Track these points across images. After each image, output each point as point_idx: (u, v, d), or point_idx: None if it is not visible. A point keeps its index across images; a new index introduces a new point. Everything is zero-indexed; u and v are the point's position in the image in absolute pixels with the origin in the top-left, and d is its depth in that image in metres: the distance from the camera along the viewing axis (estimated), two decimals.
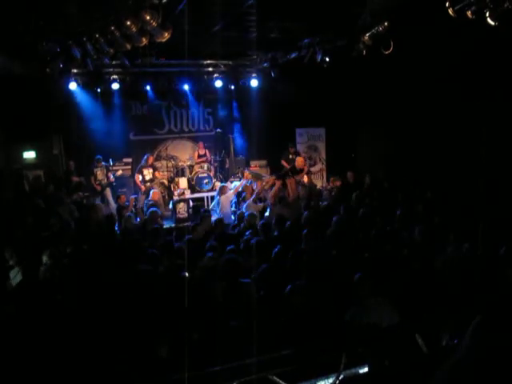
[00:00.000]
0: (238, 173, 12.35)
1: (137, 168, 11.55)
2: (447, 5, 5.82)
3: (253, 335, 3.14)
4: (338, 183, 10.76)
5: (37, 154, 11.26)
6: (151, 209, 8.38)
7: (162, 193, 11.26)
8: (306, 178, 11.26)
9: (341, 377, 2.72)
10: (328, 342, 3.17)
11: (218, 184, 11.42)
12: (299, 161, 11.09)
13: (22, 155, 11.07)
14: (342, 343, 3.16)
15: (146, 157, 11.51)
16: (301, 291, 4.32)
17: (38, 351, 3.50)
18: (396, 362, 2.67)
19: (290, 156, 11.86)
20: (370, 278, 4.26)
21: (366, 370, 2.89)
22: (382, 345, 2.87)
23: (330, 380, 2.81)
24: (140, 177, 11.27)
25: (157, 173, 11.62)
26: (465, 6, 5.77)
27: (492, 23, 5.80)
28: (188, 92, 12.41)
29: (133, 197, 10.57)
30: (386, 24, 6.90)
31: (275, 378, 2.35)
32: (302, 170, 11.09)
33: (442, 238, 5.69)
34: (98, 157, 11.07)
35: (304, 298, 4.22)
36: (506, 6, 5.54)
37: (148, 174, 11.30)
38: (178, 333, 3.75)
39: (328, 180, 12.09)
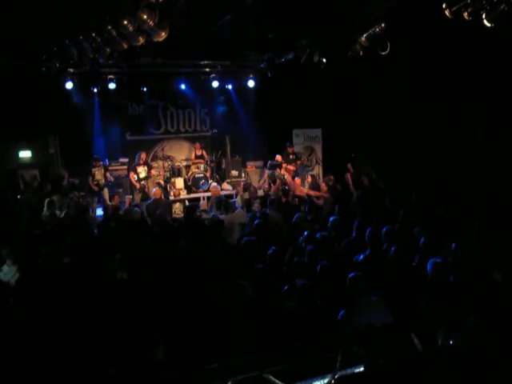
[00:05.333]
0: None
1: (131, 166, 11.53)
2: (444, 6, 5.84)
3: (248, 334, 3.13)
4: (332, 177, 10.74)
5: (33, 153, 11.23)
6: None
7: None
8: (309, 178, 11.38)
9: (336, 376, 2.70)
10: (323, 341, 3.16)
11: (215, 184, 11.43)
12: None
13: (17, 154, 11.04)
14: (337, 343, 3.15)
15: (138, 154, 11.50)
16: (297, 292, 4.32)
17: (34, 349, 3.48)
18: (391, 361, 2.66)
19: (291, 156, 11.93)
20: (364, 278, 4.27)
21: (361, 369, 2.88)
22: (378, 344, 2.86)
23: (326, 380, 2.80)
24: (135, 175, 11.26)
25: (153, 170, 11.61)
26: (461, 7, 5.79)
27: (488, 25, 5.82)
28: (185, 92, 12.39)
29: (128, 197, 10.52)
30: (382, 25, 6.92)
31: (270, 376, 2.33)
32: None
33: (439, 238, 5.69)
34: (96, 156, 11.03)
35: (299, 299, 4.22)
36: (502, 7, 5.56)
37: (142, 171, 11.30)
38: (174, 333, 3.74)
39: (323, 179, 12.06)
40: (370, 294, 4.13)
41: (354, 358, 2.83)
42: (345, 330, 3.79)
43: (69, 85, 10.38)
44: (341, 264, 5.15)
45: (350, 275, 4.25)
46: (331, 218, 6.43)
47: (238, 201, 9.63)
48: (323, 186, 9.78)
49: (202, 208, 9.68)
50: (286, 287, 4.32)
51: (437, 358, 2.44)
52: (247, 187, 10.13)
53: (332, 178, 10.42)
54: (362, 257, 5.31)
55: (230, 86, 12.41)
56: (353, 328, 3.71)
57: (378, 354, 2.89)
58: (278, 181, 10.54)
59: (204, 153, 12.52)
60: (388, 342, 3.01)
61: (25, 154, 11.15)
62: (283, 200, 8.91)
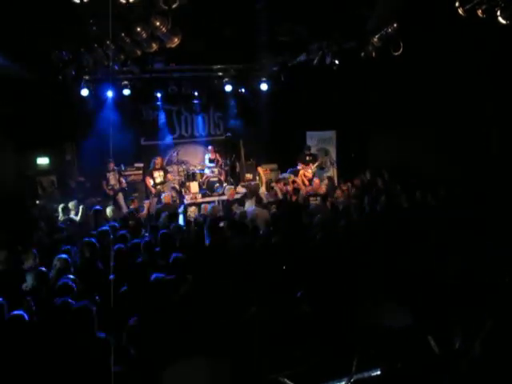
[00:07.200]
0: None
1: (147, 171, 11.63)
2: (457, 4, 5.78)
3: (264, 337, 3.13)
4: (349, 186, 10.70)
5: (50, 159, 11.39)
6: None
7: (173, 197, 11.31)
8: (326, 180, 11.39)
9: (352, 380, 2.70)
10: (340, 344, 3.15)
11: (229, 188, 11.46)
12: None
13: (35, 161, 11.20)
14: (354, 346, 3.14)
15: (154, 160, 11.60)
16: (312, 295, 4.31)
17: (47, 358, 3.51)
18: (408, 364, 2.64)
19: (307, 158, 11.94)
20: (383, 280, 4.24)
21: (378, 372, 2.87)
22: (395, 347, 2.85)
23: (342, 383, 2.79)
24: (151, 180, 11.35)
25: (169, 175, 11.69)
26: (475, 5, 5.73)
27: (503, 22, 5.75)
28: (198, 97, 12.46)
29: (147, 201, 10.62)
30: (395, 25, 6.87)
31: (286, 380, 2.34)
32: None
33: (455, 240, 5.63)
34: (110, 159, 11.12)
35: (315, 302, 4.20)
36: None
37: (159, 176, 11.39)
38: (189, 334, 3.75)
39: (339, 184, 12.02)
40: (387, 297, 4.10)
41: (370, 361, 2.82)
42: (361, 332, 3.76)
43: (84, 92, 10.51)
44: (355, 267, 5.13)
45: (366, 278, 4.23)
46: (343, 222, 6.40)
47: (248, 205, 9.60)
48: (339, 193, 9.78)
49: (202, 212, 9.67)
50: (300, 291, 4.30)
51: (454, 362, 2.42)
52: (254, 193, 10.14)
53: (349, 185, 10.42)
54: (376, 259, 5.28)
55: (243, 90, 12.43)
56: (369, 331, 3.69)
57: (395, 357, 2.87)
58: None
59: (218, 156, 12.56)
60: (405, 345, 2.99)
61: (42, 161, 11.30)
62: (293, 198, 9.02)
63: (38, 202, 10.26)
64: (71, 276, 4.97)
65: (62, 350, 3.58)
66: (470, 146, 8.72)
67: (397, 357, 2.77)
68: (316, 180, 10.94)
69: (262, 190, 11.67)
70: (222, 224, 7.42)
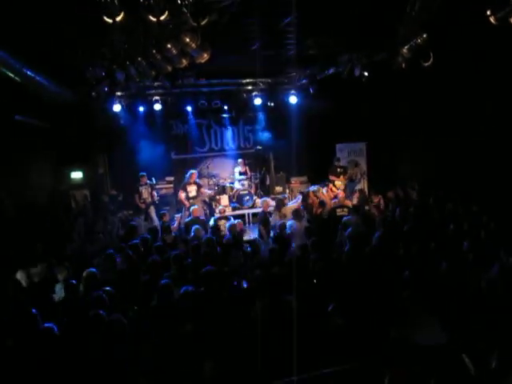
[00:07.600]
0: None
1: (181, 185, 11.75)
2: (488, 13, 5.66)
3: (293, 353, 3.09)
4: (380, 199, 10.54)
5: (83, 174, 11.67)
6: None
7: (204, 210, 11.39)
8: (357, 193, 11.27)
9: None
10: (371, 361, 3.08)
11: (259, 201, 11.44)
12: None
13: (69, 176, 11.49)
14: (386, 362, 3.07)
15: (189, 173, 11.66)
16: (343, 310, 4.23)
17: (76, 370, 3.56)
18: (442, 382, 2.55)
19: (338, 170, 11.87)
20: (418, 296, 4.14)
21: None
22: (428, 364, 2.76)
23: None
24: (184, 194, 11.41)
25: (202, 189, 11.77)
26: (508, 13, 5.59)
27: None
28: (228, 110, 12.60)
29: (178, 215, 10.71)
30: (424, 36, 6.77)
31: None
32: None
33: (491, 254, 5.44)
34: (142, 173, 11.25)
35: (347, 317, 4.12)
36: None
37: (192, 190, 11.44)
38: (221, 349, 3.74)
39: (369, 196, 11.85)
40: (421, 312, 4.00)
41: (402, 378, 2.74)
42: (394, 349, 3.67)
43: (117, 107, 10.77)
44: (389, 280, 5.02)
45: (405, 292, 4.14)
46: (376, 234, 6.28)
47: (273, 218, 9.57)
48: (370, 205, 9.63)
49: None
50: (331, 305, 4.23)
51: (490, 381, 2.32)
52: (280, 206, 10.06)
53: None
54: (411, 273, 5.15)
55: (272, 103, 12.49)
56: (403, 347, 3.59)
57: (427, 374, 2.78)
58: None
59: (248, 169, 12.62)
60: (439, 363, 2.89)
61: (76, 175, 11.59)
62: (318, 211, 8.91)
63: (71, 215, 10.52)
64: (107, 288, 5.03)
65: (91, 361, 3.63)
66: (506, 158, 8.47)
67: (430, 374, 2.68)
68: (341, 193, 10.84)
69: (299, 203, 11.60)
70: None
